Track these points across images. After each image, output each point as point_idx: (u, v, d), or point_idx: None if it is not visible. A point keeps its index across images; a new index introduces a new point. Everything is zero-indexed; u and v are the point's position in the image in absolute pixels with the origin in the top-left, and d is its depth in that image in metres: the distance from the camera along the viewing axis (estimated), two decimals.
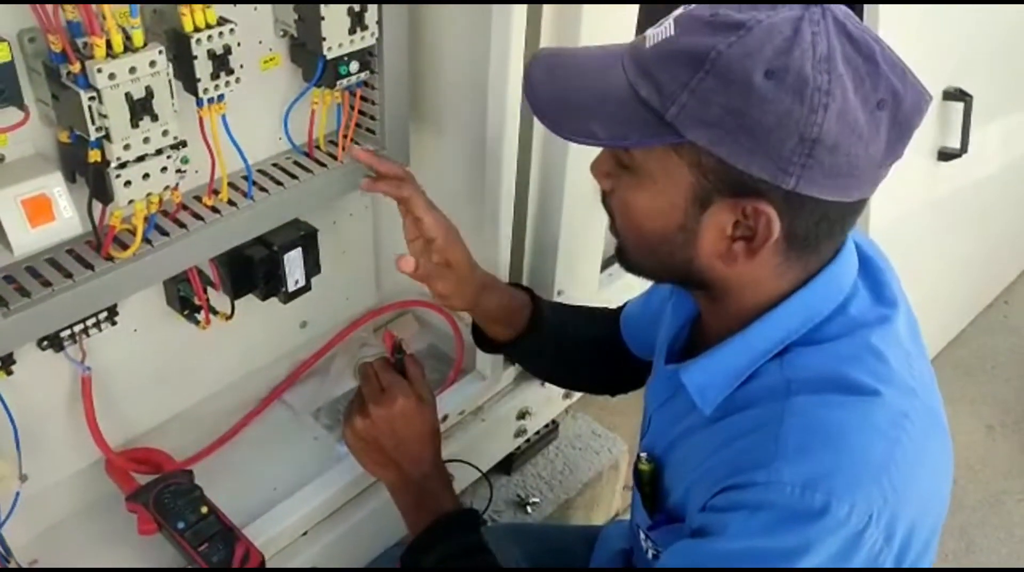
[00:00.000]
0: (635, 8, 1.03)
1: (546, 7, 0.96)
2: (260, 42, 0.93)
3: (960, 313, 2.19)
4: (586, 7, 0.96)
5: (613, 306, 1.12)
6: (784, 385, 0.69)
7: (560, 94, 0.71)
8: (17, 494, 0.93)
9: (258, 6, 0.91)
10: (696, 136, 0.64)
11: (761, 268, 0.70)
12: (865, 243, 0.78)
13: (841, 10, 0.64)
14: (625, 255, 0.78)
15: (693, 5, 0.67)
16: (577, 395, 1.44)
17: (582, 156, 1.11)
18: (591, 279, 1.31)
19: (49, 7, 0.71)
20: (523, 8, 0.93)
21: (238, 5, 0.87)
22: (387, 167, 0.98)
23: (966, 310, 2.21)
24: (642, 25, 1.04)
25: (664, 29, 0.67)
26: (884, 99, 0.64)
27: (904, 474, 0.66)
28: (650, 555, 0.83)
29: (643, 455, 0.83)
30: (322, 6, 0.88)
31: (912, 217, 1.60)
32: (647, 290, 1.04)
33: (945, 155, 1.61)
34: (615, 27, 1.02)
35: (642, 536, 0.84)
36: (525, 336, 1.04)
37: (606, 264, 1.37)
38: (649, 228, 0.71)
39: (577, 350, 1.08)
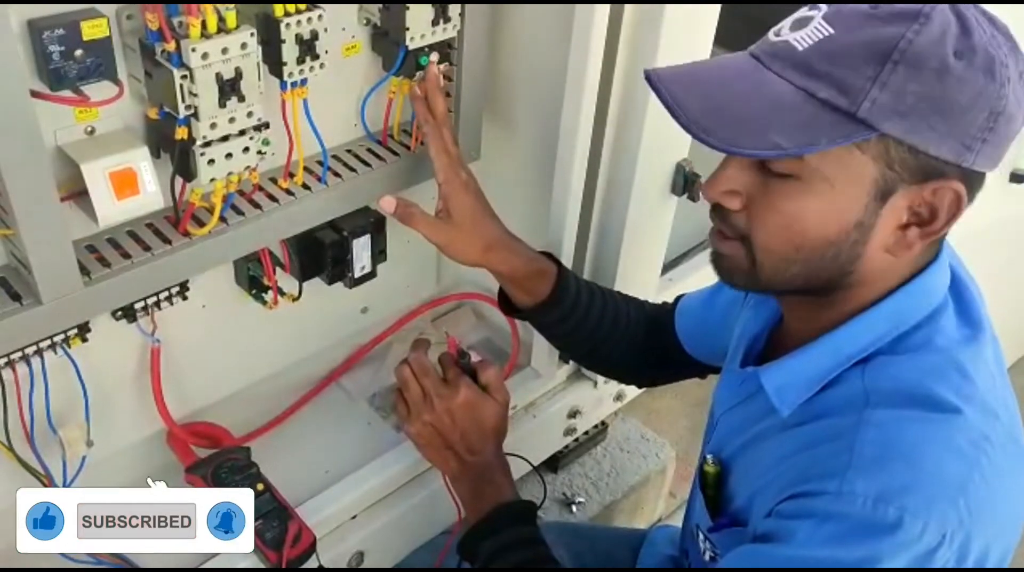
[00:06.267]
0: (716, 8, 1.02)
1: (628, 7, 0.96)
2: (343, 29, 0.94)
3: (1022, 338, 2.13)
4: (668, 7, 0.95)
5: None
6: (863, 396, 0.68)
7: (717, 109, 0.66)
8: (84, 458, 0.96)
9: None
10: (890, 127, 0.63)
11: (915, 254, 0.70)
12: (955, 261, 0.77)
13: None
14: (757, 272, 0.71)
15: (836, 5, 0.66)
16: (628, 397, 1.43)
17: (650, 160, 1.12)
18: (651, 283, 1.30)
19: None
20: (606, 8, 0.93)
21: None
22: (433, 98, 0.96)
23: None
24: (723, 25, 1.03)
25: (814, 30, 0.65)
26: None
27: (981, 497, 0.64)
28: (707, 557, 0.83)
29: (709, 457, 0.82)
30: None
31: (979, 237, 1.56)
32: (711, 287, 1.02)
33: (1017, 177, 1.58)
34: (696, 27, 1.01)
35: (701, 537, 0.83)
36: (543, 306, 1.00)
37: (665, 269, 1.36)
38: (816, 235, 0.68)
39: (604, 332, 1.04)
